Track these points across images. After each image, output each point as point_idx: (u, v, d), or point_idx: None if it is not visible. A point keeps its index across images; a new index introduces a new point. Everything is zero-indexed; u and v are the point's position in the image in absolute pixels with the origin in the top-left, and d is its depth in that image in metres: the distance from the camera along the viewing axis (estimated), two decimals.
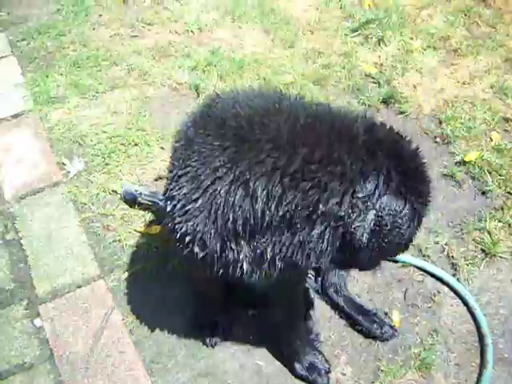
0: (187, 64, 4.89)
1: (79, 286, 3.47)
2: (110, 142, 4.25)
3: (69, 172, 4.10)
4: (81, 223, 3.78)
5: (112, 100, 4.64)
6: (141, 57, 5.04)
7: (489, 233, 3.62)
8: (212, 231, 2.38)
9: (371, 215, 2.21)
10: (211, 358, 3.12)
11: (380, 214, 2.21)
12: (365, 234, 2.24)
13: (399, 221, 2.24)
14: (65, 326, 3.29)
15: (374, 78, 4.77)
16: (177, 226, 2.48)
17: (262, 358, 3.11)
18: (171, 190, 2.49)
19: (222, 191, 2.30)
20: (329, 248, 2.29)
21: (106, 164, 4.11)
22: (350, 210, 2.20)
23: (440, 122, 4.34)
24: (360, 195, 2.19)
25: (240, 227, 2.33)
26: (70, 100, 4.64)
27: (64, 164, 4.14)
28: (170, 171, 2.57)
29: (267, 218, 2.27)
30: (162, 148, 4.20)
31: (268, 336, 3.13)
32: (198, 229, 2.41)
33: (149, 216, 3.77)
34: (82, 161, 4.15)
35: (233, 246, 2.40)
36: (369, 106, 4.50)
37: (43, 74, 4.90)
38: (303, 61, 4.93)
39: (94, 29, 5.47)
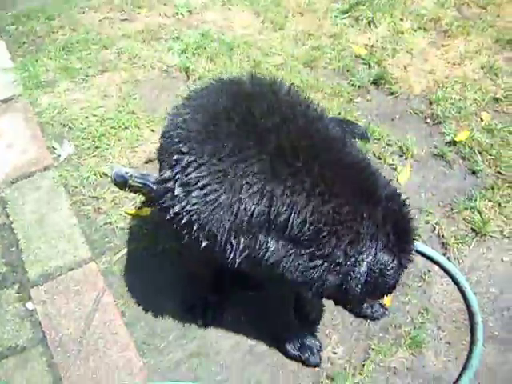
0: (177, 47, 4.88)
1: (71, 269, 3.47)
2: (100, 125, 4.24)
3: (59, 156, 4.09)
4: (72, 206, 3.77)
5: (102, 83, 4.63)
6: (131, 40, 5.03)
7: (479, 212, 3.63)
8: (226, 225, 2.44)
9: (364, 267, 2.43)
10: (203, 339, 3.14)
11: (372, 267, 2.43)
12: (359, 284, 2.46)
13: (388, 273, 2.47)
14: (57, 309, 3.29)
15: (364, 59, 4.76)
16: (185, 212, 2.51)
17: (253, 338, 3.12)
18: (187, 175, 2.50)
19: (245, 195, 2.38)
20: (321, 282, 2.47)
21: (97, 147, 4.10)
22: (350, 261, 2.41)
23: (430, 103, 4.34)
24: (362, 250, 2.40)
25: (255, 229, 2.42)
26: (60, 84, 4.63)
27: (54, 148, 4.13)
28: (179, 153, 2.56)
29: (283, 228, 2.39)
30: (152, 131, 4.19)
31: (260, 316, 3.14)
32: (211, 219, 2.46)
33: (139, 198, 3.77)
34: (73, 144, 4.14)
35: (237, 241, 2.48)
36: (359, 87, 4.50)
37: (33, 58, 4.89)
38: (293, 43, 4.92)
39: (83, 12, 5.46)
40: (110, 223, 3.66)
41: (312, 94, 4.34)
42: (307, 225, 2.34)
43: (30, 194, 3.88)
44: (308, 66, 4.67)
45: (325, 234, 2.35)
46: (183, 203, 2.51)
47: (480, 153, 3.96)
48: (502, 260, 3.45)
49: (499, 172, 3.86)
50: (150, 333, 3.18)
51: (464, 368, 3.01)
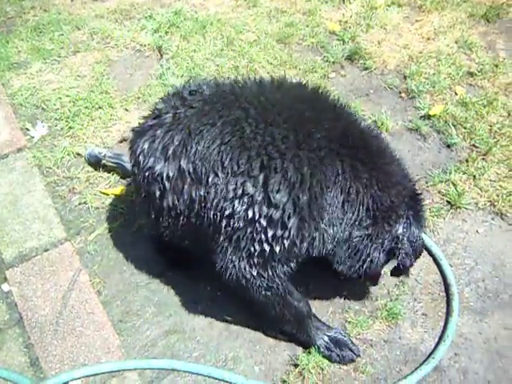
0: (150, 26, 4.86)
1: (46, 250, 3.45)
2: (74, 105, 4.20)
3: (33, 137, 4.06)
4: (46, 187, 3.75)
5: (75, 64, 4.59)
6: (103, 20, 4.99)
7: (454, 185, 3.64)
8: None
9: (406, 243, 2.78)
10: (179, 315, 3.13)
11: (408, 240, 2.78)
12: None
13: (418, 243, 2.83)
14: (33, 290, 3.27)
15: (338, 35, 4.76)
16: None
17: (230, 314, 3.12)
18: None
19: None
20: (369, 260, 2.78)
21: (70, 128, 4.07)
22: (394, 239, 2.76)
23: (405, 78, 4.36)
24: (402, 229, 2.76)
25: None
26: (33, 65, 4.59)
27: (28, 129, 4.09)
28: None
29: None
30: (126, 110, 4.18)
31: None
32: None
33: (114, 177, 3.76)
34: (46, 125, 4.11)
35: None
36: (333, 63, 4.49)
37: (3, 39, 4.84)
38: (267, 20, 4.90)
39: None
40: (85, 203, 3.64)
41: (286, 70, 4.33)
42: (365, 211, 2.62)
43: (3, 175, 3.84)
44: (282, 42, 4.66)
45: (379, 219, 2.65)
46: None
47: (454, 126, 3.97)
48: (477, 232, 3.46)
49: (473, 145, 3.87)
50: (127, 311, 3.17)
51: (440, 338, 3.03)
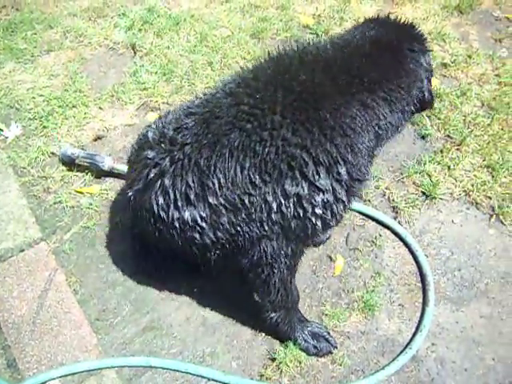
0: (123, 23, 4.83)
1: (22, 250, 3.43)
2: (47, 104, 4.18)
3: (6, 137, 4.03)
4: (21, 187, 3.72)
5: (48, 63, 4.56)
6: (76, 18, 4.96)
7: (428, 175, 3.67)
8: None
9: None
10: (156, 312, 3.13)
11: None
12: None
13: None
14: (9, 291, 3.25)
15: (311, 29, 4.77)
16: None
17: (206, 310, 3.13)
18: None
19: None
20: None
21: (44, 127, 4.04)
22: None
23: None
24: None
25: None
26: (5, 65, 4.55)
27: (1, 130, 4.06)
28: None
29: None
30: (100, 108, 4.16)
31: (213, 287, 3.15)
32: None
33: (88, 176, 3.74)
34: (20, 125, 4.08)
35: None
36: None
37: None
38: (240, 15, 4.90)
39: None
40: (60, 202, 3.62)
41: None
42: None
43: None
44: (256, 37, 4.66)
45: None
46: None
47: (429, 117, 4.00)
48: (452, 221, 3.49)
49: (448, 135, 3.90)
50: (103, 309, 3.17)
51: (417, 329, 3.04)
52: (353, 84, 2.53)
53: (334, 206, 2.52)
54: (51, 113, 4.10)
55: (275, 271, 2.67)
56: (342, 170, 2.48)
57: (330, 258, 3.35)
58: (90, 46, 4.69)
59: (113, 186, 3.69)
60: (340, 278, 3.25)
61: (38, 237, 3.49)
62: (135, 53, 4.55)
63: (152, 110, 4.09)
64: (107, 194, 3.62)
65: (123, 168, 3.59)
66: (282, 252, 2.60)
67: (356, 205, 3.50)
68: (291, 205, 2.47)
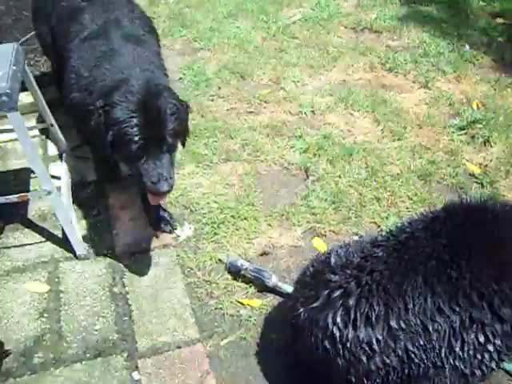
0: (299, 145, 5.10)
1: (179, 347, 3.65)
2: (221, 212, 4.45)
3: (179, 236, 4.32)
4: (186, 287, 3.97)
5: (225, 172, 4.87)
6: (255, 133, 5.27)
7: None
8: None
9: None
10: None
11: None
12: None
13: None
14: (161, 383, 3.46)
15: (477, 178, 4.86)
16: None
17: None
18: None
19: None
20: None
21: (215, 233, 4.30)
22: None
23: None
24: None
25: None
26: (186, 167, 4.89)
27: (175, 228, 4.37)
28: None
29: None
30: (269, 225, 4.38)
31: None
32: None
33: (251, 289, 3.94)
34: (193, 227, 4.37)
35: None
36: None
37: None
38: (410, 154, 5.06)
39: (212, 100, 5.75)
40: (221, 308, 3.84)
41: (424, 207, 4.47)
42: None
43: (147, 268, 4.11)
44: (423, 179, 4.80)
45: None
46: None
47: None
48: None
49: None
50: None
51: None
52: None
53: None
54: (223, 221, 4.36)
55: None
56: None
57: None
58: (266, 162, 4.97)
59: (272, 303, 3.87)
60: None
61: (195, 337, 3.70)
62: (308, 176, 4.80)
63: (318, 236, 4.28)
64: (266, 310, 3.80)
65: (286, 287, 3.80)
66: None
67: None
68: (473, 333, 2.63)
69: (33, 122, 5.28)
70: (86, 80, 3.90)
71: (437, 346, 2.67)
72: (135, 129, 3.46)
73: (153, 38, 4.50)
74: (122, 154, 3.67)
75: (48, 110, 4.64)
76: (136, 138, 3.46)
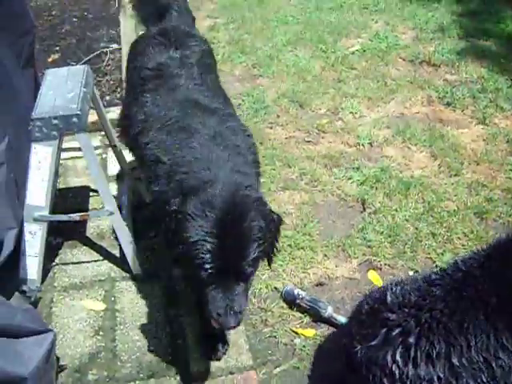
0: (356, 177, 5.15)
1: (231, 373, 3.69)
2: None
3: None
4: None
5: (282, 200, 4.93)
6: (313, 163, 5.33)
7: None
8: None
9: None
10: None
11: None
12: None
13: None
14: None
15: None
16: None
17: None
18: None
19: None
20: None
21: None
22: None
23: None
24: None
25: None
26: None
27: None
28: None
29: None
30: (325, 256, 4.42)
31: None
32: None
33: (306, 318, 3.98)
34: None
35: None
36: None
37: None
38: (467, 191, 5.06)
39: (271, 128, 5.83)
40: (275, 337, 3.88)
41: (480, 245, 4.45)
42: None
43: None
44: (479, 216, 4.79)
45: None
46: None
47: None
48: None
49: None
50: None
51: None
52: None
53: None
54: (280, 250, 4.37)
55: None
56: None
57: None
58: (323, 193, 5.02)
59: (326, 334, 3.91)
60: None
61: (248, 364, 3.74)
62: (364, 209, 4.84)
63: (374, 269, 4.31)
64: (320, 340, 3.84)
65: (341, 319, 3.84)
66: None
67: None
68: None
69: (96, 142, 5.40)
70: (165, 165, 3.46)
71: (501, 383, 2.69)
72: (207, 256, 2.90)
73: (232, 108, 4.18)
74: (187, 274, 3.40)
75: (112, 130, 4.74)
76: (207, 266, 2.91)
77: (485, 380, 2.69)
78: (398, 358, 2.81)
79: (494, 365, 2.67)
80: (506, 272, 2.87)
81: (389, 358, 2.83)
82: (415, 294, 2.98)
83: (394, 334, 2.86)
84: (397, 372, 2.81)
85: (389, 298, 3.04)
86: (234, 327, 3.13)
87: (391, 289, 3.14)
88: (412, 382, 2.78)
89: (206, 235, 2.91)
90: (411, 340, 2.80)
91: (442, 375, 2.72)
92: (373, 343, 2.93)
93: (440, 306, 2.84)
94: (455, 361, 2.70)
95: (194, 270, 2.98)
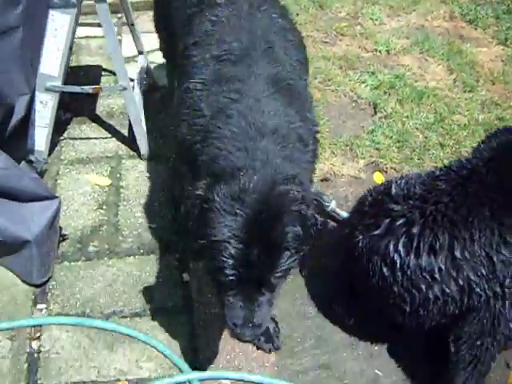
0: (370, 81, 5.11)
1: None
2: None
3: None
4: None
5: None
6: (329, 63, 5.27)
7: None
8: None
9: None
10: (335, 355, 3.34)
11: None
12: None
13: None
14: None
15: None
16: None
17: (382, 369, 3.32)
18: None
19: None
20: None
21: None
22: None
23: None
24: None
25: None
26: None
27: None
28: None
29: None
30: (332, 152, 4.43)
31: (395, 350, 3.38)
32: None
33: None
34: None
35: None
36: None
37: None
38: (479, 107, 5.03)
39: None
40: None
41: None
42: None
43: None
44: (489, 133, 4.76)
45: None
46: None
47: None
48: None
49: None
50: (289, 335, 3.41)
51: None
52: None
53: None
54: None
55: (494, 344, 2.88)
56: None
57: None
58: (336, 93, 4.99)
59: None
60: None
61: None
62: (376, 112, 4.82)
63: (379, 171, 4.33)
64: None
65: (343, 214, 3.89)
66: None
67: None
68: None
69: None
70: (201, 126, 2.82)
71: (500, 276, 2.74)
72: (230, 261, 2.41)
73: (306, 81, 3.38)
74: (207, 270, 2.80)
75: (131, 9, 4.66)
76: (228, 272, 2.44)
77: (485, 273, 2.74)
78: (400, 247, 2.84)
79: (495, 259, 2.71)
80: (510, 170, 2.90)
81: (391, 247, 2.87)
82: (420, 188, 3.01)
83: (397, 224, 2.89)
84: (398, 261, 2.84)
85: (393, 190, 3.07)
86: (249, 342, 2.92)
87: (396, 181, 3.16)
88: (412, 272, 2.82)
89: (232, 238, 2.41)
90: (415, 230, 2.84)
91: (443, 267, 2.76)
92: (375, 233, 2.96)
93: (445, 200, 2.87)
94: (457, 253, 2.74)
95: (213, 269, 2.56)
